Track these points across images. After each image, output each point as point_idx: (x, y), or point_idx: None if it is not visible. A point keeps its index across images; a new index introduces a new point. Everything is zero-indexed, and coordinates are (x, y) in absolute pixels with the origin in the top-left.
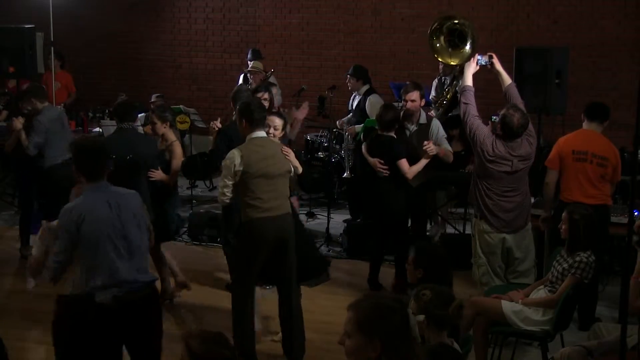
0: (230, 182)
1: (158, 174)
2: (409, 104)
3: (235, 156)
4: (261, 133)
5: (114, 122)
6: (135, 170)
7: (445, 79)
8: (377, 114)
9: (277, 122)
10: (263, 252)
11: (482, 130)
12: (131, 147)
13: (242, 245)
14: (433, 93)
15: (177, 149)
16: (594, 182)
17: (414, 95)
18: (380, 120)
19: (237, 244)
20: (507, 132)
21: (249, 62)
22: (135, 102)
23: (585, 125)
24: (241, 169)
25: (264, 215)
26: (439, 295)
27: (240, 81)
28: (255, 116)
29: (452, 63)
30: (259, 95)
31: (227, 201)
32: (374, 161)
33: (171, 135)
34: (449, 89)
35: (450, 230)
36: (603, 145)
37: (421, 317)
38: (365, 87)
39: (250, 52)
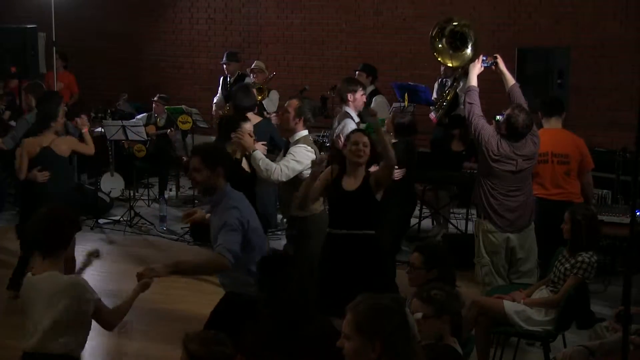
0: (297, 172)
1: None
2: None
3: (312, 151)
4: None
5: (116, 122)
6: None
7: (446, 80)
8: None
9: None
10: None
11: (487, 130)
12: None
13: (309, 237)
14: (434, 95)
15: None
16: (557, 180)
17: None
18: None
19: (302, 236)
20: (512, 132)
21: (223, 65)
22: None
23: (544, 123)
24: None
25: (323, 207)
26: (450, 293)
27: (220, 83)
28: (311, 117)
29: (452, 65)
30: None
31: (283, 180)
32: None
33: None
34: (449, 91)
35: (452, 230)
36: (563, 141)
37: (419, 315)
38: (371, 88)
39: (225, 55)
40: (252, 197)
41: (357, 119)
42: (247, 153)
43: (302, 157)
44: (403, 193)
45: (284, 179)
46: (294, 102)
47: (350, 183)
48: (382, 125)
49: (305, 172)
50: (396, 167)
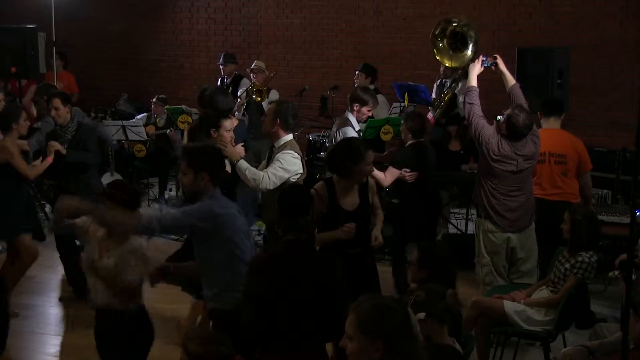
0: (284, 180)
1: None
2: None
3: (298, 157)
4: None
5: (116, 122)
6: None
7: (445, 81)
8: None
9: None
10: None
11: (487, 130)
12: None
13: None
14: (433, 95)
15: None
16: (555, 181)
17: None
18: None
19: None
20: (512, 132)
21: (220, 66)
22: None
23: (543, 123)
24: (300, 172)
25: None
26: (432, 292)
27: (217, 84)
28: (291, 120)
29: (450, 65)
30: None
31: (270, 188)
32: None
33: None
34: (447, 92)
35: (452, 230)
36: (560, 141)
37: (422, 315)
38: (371, 88)
39: (222, 56)
40: (232, 197)
41: (357, 127)
42: (231, 162)
43: (289, 164)
44: (417, 196)
45: (272, 187)
46: (271, 107)
47: (348, 201)
48: (383, 124)
49: (291, 178)
50: (407, 170)
